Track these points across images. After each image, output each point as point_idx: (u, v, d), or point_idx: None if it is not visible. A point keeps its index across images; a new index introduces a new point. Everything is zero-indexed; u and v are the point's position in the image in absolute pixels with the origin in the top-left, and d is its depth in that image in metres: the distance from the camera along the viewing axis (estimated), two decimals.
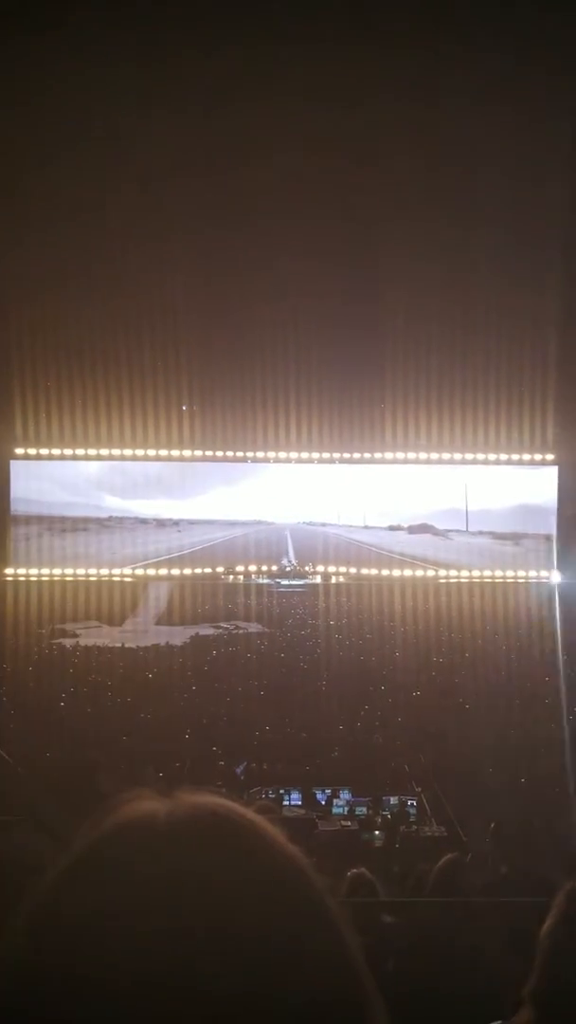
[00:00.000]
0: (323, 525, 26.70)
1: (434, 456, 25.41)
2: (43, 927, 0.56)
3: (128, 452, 25.06)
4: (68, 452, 24.79)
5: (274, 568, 24.94)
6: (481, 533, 25.83)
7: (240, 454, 25.39)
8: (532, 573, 25.00)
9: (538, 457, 25.09)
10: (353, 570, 25.16)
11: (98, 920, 0.54)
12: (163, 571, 24.90)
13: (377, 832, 8.06)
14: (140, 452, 25.12)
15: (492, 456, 25.20)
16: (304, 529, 26.67)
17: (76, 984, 0.53)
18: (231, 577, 24.97)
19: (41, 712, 11.09)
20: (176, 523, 26.43)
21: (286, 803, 8.57)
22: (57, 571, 24.47)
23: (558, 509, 24.75)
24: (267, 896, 0.57)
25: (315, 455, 25.40)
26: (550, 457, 25.02)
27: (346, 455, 25.41)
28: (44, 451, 24.70)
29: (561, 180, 17.71)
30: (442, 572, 25.26)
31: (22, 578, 24.12)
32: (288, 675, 14.05)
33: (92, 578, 24.36)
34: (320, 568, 25.08)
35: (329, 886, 0.62)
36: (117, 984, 0.52)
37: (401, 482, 26.32)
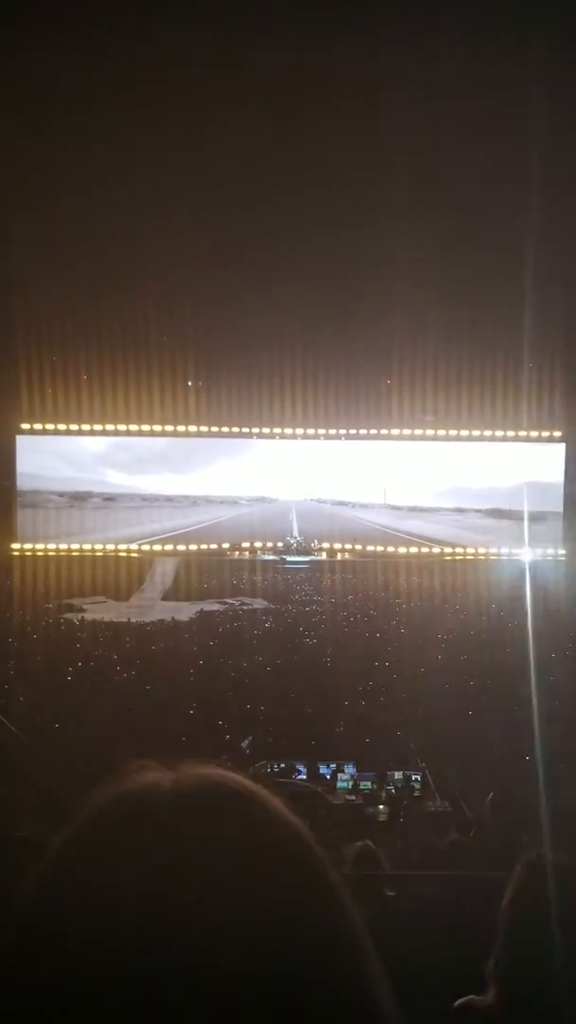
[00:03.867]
0: (344, 504, 26.50)
1: (440, 432, 25.34)
2: (49, 895, 0.57)
3: (133, 428, 25.07)
4: (74, 427, 24.80)
5: (279, 545, 24.99)
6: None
7: (245, 430, 25.38)
8: (538, 551, 25.02)
9: (545, 434, 25.00)
10: (359, 547, 25.21)
11: (102, 889, 0.55)
12: (169, 547, 24.99)
13: (381, 806, 8.11)
14: (145, 428, 25.12)
15: (499, 433, 25.13)
16: (329, 513, 26.32)
17: (79, 952, 0.53)
18: (236, 553, 25.05)
19: (48, 686, 11.16)
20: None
21: (291, 777, 8.64)
22: (64, 545, 24.59)
23: (565, 486, 24.71)
24: (270, 866, 0.57)
25: (320, 431, 25.36)
26: (557, 434, 24.93)
27: (351, 431, 25.36)
28: (50, 426, 24.72)
29: (568, 156, 17.56)
30: (447, 550, 25.31)
31: (28, 553, 24.24)
32: (293, 651, 14.09)
33: (98, 553, 24.47)
34: (325, 545, 25.15)
35: (332, 858, 0.62)
36: (119, 952, 0.52)
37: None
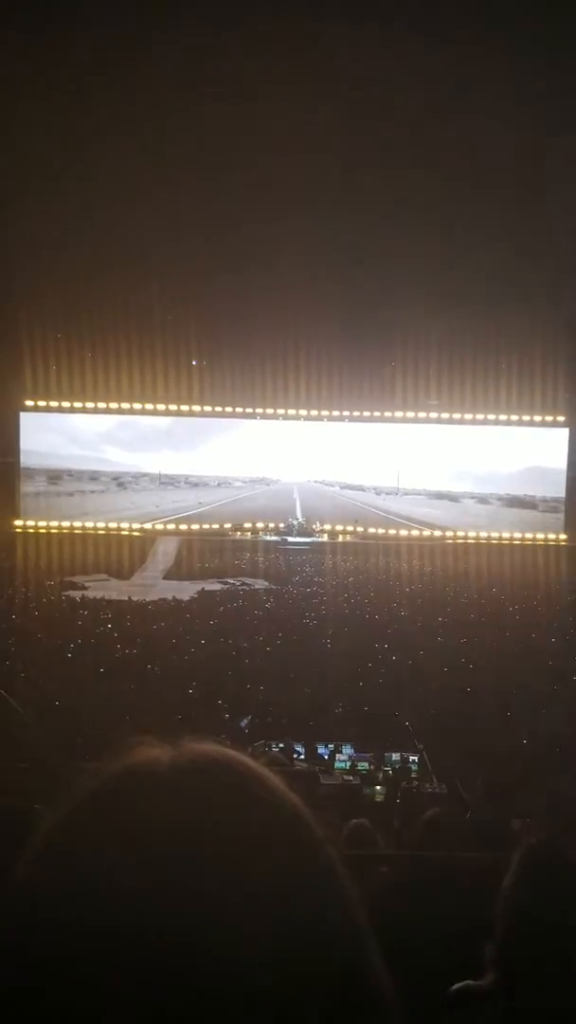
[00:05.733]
0: (358, 488, 26.00)
1: (444, 416, 25.27)
2: (46, 869, 0.57)
3: (137, 406, 25.01)
4: (78, 405, 24.75)
5: (281, 526, 24.97)
6: None
7: (248, 410, 25.31)
8: (539, 535, 25.02)
9: (549, 418, 24.92)
10: (360, 529, 25.20)
11: (99, 864, 0.55)
12: (171, 526, 25.00)
13: (378, 787, 8.15)
14: (149, 406, 25.07)
15: (503, 417, 25.05)
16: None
17: (74, 926, 0.53)
18: (238, 533, 25.04)
19: (49, 663, 11.21)
20: None
21: (289, 757, 8.67)
22: (66, 523, 24.60)
23: (568, 471, 24.66)
24: (268, 843, 0.57)
25: (324, 412, 25.29)
26: (561, 419, 24.86)
27: (355, 413, 25.28)
28: (54, 403, 24.66)
29: (572, 146, 17.45)
30: (448, 533, 25.28)
31: (31, 530, 24.26)
32: (293, 631, 14.13)
33: (100, 531, 24.48)
34: (327, 526, 25.12)
35: (330, 836, 0.62)
36: (115, 927, 0.52)
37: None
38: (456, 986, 1.91)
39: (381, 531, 25.23)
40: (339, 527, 25.18)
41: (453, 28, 15.51)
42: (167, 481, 25.25)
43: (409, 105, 17.19)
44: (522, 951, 1.82)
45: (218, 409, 25.29)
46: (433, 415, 25.22)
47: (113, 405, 24.90)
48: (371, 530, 25.22)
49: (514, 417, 25.01)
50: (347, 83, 17.00)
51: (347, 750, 8.86)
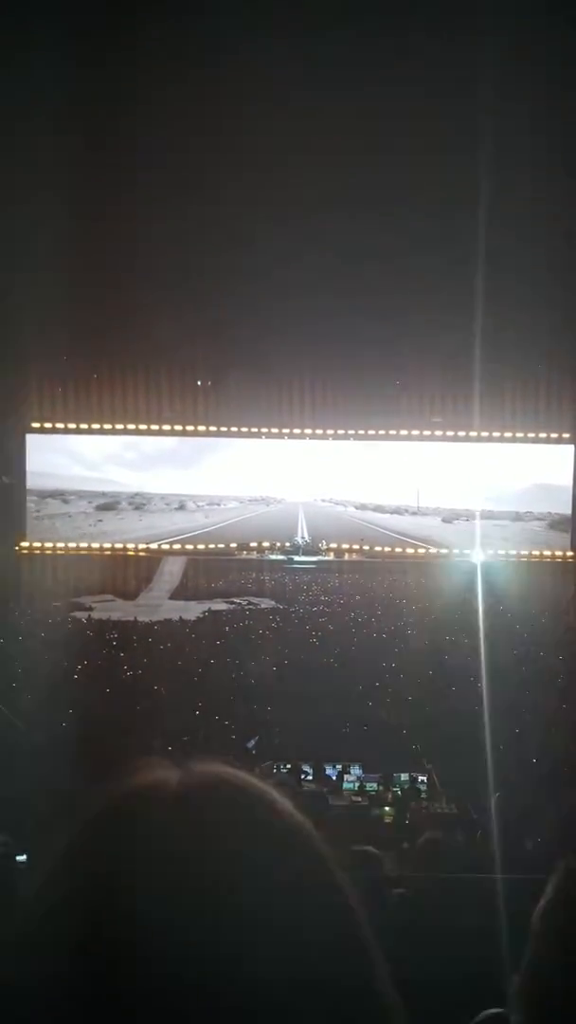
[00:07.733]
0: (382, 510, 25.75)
1: (450, 433, 25.29)
2: (53, 891, 0.57)
3: (142, 427, 25.10)
4: (84, 426, 24.83)
5: (287, 544, 24.94)
6: None
7: (254, 430, 25.35)
8: (546, 552, 24.95)
9: (555, 435, 24.92)
10: (366, 547, 25.16)
11: (107, 885, 0.55)
12: (176, 546, 25.00)
13: (387, 808, 8.11)
14: (154, 427, 25.15)
15: (508, 434, 25.05)
16: None
17: (81, 949, 0.53)
18: (244, 553, 25.02)
19: (55, 684, 11.19)
20: None
21: (297, 777, 8.63)
22: (72, 544, 24.63)
23: (574, 488, 24.63)
24: (277, 865, 0.57)
25: (329, 431, 25.32)
26: (567, 435, 24.86)
27: (360, 431, 25.32)
28: (60, 425, 24.75)
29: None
30: (455, 551, 25.20)
31: (37, 551, 24.28)
32: (300, 651, 14.09)
33: (106, 552, 24.50)
34: (333, 545, 25.07)
35: (338, 857, 0.62)
36: (120, 948, 0.52)
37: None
38: (484, 1014, 1.85)
39: (387, 549, 25.21)
40: (344, 545, 25.14)
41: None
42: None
43: (416, 119, 17.28)
44: (556, 981, 1.76)
45: (223, 429, 25.33)
46: (439, 432, 25.25)
47: (119, 426, 24.99)
48: (377, 548, 25.19)
49: (519, 434, 25.01)
50: (352, 94, 17.13)
51: (355, 771, 8.82)
